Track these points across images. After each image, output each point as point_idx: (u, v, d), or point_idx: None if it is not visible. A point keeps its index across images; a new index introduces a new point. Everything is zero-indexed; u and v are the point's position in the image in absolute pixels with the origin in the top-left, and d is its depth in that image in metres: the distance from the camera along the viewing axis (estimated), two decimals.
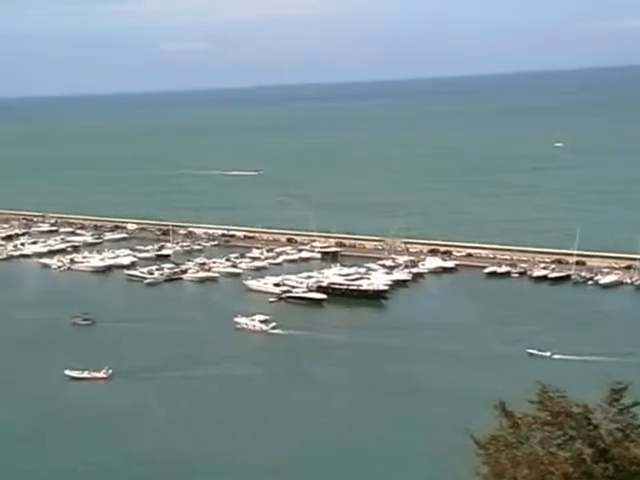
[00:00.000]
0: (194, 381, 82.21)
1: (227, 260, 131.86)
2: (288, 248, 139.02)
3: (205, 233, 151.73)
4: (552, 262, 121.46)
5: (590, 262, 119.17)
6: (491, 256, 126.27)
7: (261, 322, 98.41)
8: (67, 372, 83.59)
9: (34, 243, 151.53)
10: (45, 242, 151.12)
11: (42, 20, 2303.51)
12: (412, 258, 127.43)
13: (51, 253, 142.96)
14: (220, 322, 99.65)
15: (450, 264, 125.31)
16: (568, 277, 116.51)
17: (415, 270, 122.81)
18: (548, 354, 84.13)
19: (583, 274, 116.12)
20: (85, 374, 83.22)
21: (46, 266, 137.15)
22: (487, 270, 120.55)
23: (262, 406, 75.28)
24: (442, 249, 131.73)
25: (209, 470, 64.30)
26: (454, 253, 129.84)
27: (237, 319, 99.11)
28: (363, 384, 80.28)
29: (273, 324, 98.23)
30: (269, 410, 74.38)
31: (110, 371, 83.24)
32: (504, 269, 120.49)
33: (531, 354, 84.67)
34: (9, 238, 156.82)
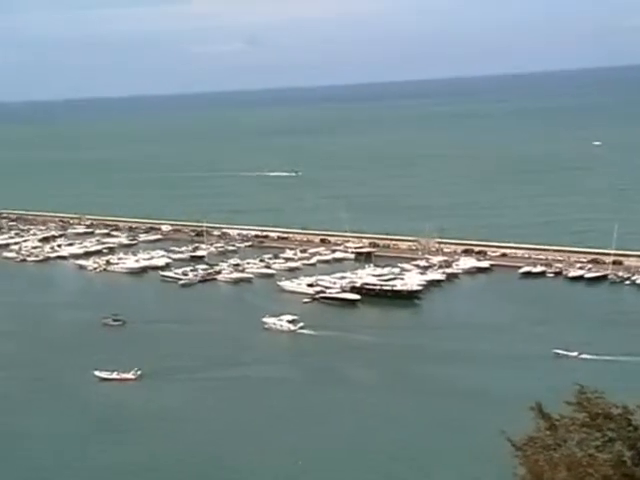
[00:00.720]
0: (221, 382, 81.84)
1: (261, 261, 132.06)
2: (322, 249, 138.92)
3: (239, 234, 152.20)
4: (588, 262, 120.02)
5: (627, 262, 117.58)
6: (526, 256, 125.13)
7: (289, 322, 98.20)
8: (96, 373, 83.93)
9: (70, 245, 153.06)
10: (81, 244, 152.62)
11: (71, 24, 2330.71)
12: (446, 258, 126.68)
13: (87, 255, 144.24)
14: (251, 323, 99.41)
15: (485, 264, 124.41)
16: (605, 277, 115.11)
17: (449, 270, 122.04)
18: (575, 354, 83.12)
19: (620, 274, 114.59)
20: (114, 375, 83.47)
21: (82, 267, 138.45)
22: (522, 270, 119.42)
23: (287, 407, 74.85)
24: (476, 249, 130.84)
25: (238, 470, 64.09)
26: (489, 253, 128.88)
27: (265, 319, 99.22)
28: (393, 384, 79.55)
29: (301, 324, 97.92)
30: (295, 412, 73.93)
31: (139, 372, 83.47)
32: (539, 269, 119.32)
33: (558, 354, 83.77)
34: (46, 240, 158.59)
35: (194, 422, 72.58)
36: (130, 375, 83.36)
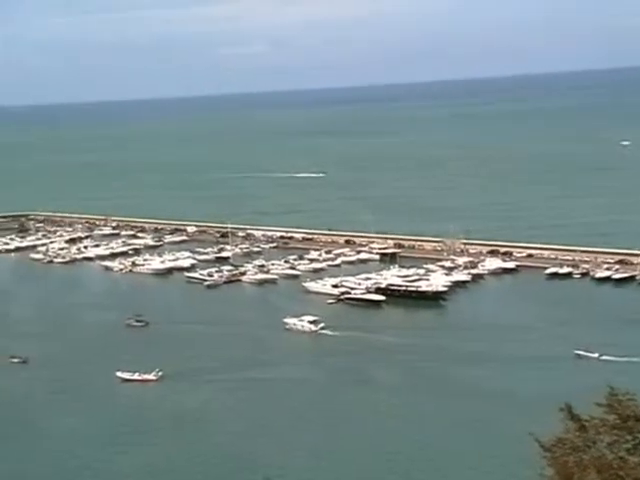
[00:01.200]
0: (242, 383, 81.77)
1: (286, 262, 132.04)
2: (346, 250, 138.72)
3: (264, 235, 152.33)
4: (616, 263, 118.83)
5: None
6: (552, 257, 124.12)
7: (310, 323, 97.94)
8: (118, 374, 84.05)
9: (96, 246, 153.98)
10: (107, 245, 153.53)
11: (102, 27, 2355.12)
12: (472, 259, 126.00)
13: (113, 256, 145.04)
14: (275, 324, 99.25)
15: (510, 265, 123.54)
16: (632, 278, 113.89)
17: (475, 271, 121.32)
18: (596, 355, 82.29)
19: None
20: (136, 376, 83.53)
21: (108, 269, 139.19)
22: (548, 271, 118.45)
23: (308, 408, 74.53)
24: (502, 250, 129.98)
25: (260, 470, 63.69)
26: (514, 254, 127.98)
27: (286, 320, 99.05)
28: (417, 385, 78.98)
29: (322, 325, 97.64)
30: (316, 412, 73.58)
31: (160, 373, 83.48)
32: (566, 270, 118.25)
33: (579, 355, 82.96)
34: (73, 241, 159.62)
35: (215, 423, 72.54)
36: (151, 376, 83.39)
